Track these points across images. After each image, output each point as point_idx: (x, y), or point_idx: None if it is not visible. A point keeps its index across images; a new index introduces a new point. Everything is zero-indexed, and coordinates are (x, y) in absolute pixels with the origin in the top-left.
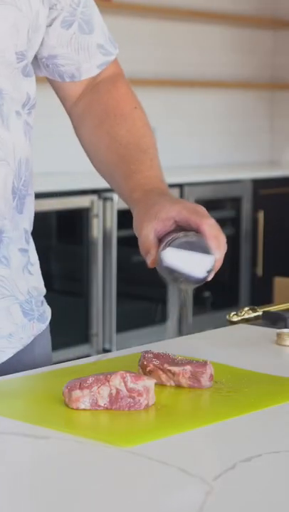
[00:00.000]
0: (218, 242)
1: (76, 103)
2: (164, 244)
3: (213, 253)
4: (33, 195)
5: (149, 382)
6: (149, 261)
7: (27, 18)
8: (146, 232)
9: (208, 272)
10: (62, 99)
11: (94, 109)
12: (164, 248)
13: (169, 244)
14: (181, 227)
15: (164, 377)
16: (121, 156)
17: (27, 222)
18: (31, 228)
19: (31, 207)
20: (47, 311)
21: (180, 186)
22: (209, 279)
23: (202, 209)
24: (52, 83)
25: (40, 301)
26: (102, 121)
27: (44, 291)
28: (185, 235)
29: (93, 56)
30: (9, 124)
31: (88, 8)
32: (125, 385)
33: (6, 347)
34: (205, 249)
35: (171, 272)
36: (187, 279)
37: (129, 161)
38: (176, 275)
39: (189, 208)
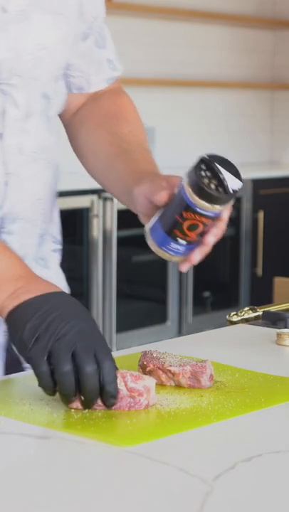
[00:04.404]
0: None
1: (75, 113)
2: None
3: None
4: None
5: (150, 382)
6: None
7: (73, 29)
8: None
9: (234, 192)
10: (63, 110)
11: (95, 112)
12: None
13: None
14: None
15: (164, 377)
16: (123, 148)
17: (57, 222)
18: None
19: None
20: None
21: None
22: (228, 205)
23: None
24: None
25: None
26: (104, 121)
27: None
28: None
29: (103, 70)
30: (51, 128)
31: (103, 24)
32: (125, 385)
33: None
34: (236, 174)
35: (209, 169)
36: (222, 181)
37: (133, 152)
38: (211, 174)
39: None
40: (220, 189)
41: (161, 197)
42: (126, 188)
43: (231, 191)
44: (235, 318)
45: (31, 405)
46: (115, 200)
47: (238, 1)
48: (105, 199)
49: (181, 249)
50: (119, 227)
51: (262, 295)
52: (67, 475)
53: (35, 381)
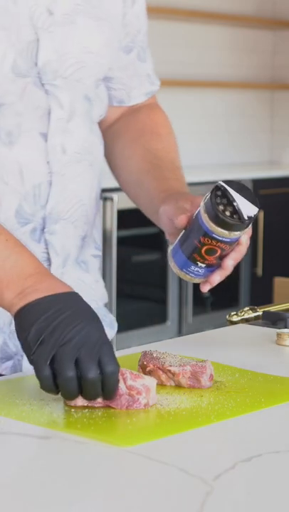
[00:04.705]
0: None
1: (112, 124)
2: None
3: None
4: None
5: (150, 382)
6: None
7: (116, 35)
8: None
9: (249, 218)
10: (99, 122)
11: (131, 126)
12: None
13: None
14: None
15: (164, 377)
16: (155, 165)
17: (99, 227)
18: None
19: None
20: (112, 319)
21: None
22: (246, 230)
23: None
24: None
25: (105, 309)
26: (139, 136)
27: (106, 299)
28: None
29: (143, 84)
30: (94, 130)
31: (145, 37)
32: (124, 382)
33: None
34: (252, 200)
35: (224, 196)
36: (237, 209)
37: (164, 169)
38: (226, 201)
39: None
40: (235, 216)
41: (181, 220)
42: (153, 206)
43: (246, 218)
44: (235, 318)
45: (31, 405)
46: (115, 200)
47: (238, 1)
48: (105, 199)
49: (201, 271)
50: (119, 227)
51: (262, 295)
52: (67, 475)
53: (35, 381)
